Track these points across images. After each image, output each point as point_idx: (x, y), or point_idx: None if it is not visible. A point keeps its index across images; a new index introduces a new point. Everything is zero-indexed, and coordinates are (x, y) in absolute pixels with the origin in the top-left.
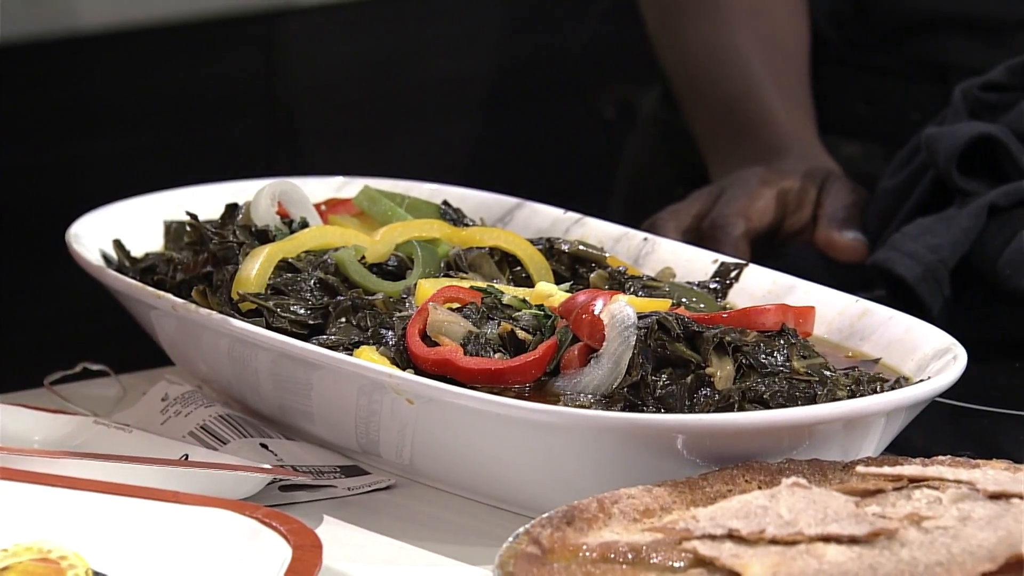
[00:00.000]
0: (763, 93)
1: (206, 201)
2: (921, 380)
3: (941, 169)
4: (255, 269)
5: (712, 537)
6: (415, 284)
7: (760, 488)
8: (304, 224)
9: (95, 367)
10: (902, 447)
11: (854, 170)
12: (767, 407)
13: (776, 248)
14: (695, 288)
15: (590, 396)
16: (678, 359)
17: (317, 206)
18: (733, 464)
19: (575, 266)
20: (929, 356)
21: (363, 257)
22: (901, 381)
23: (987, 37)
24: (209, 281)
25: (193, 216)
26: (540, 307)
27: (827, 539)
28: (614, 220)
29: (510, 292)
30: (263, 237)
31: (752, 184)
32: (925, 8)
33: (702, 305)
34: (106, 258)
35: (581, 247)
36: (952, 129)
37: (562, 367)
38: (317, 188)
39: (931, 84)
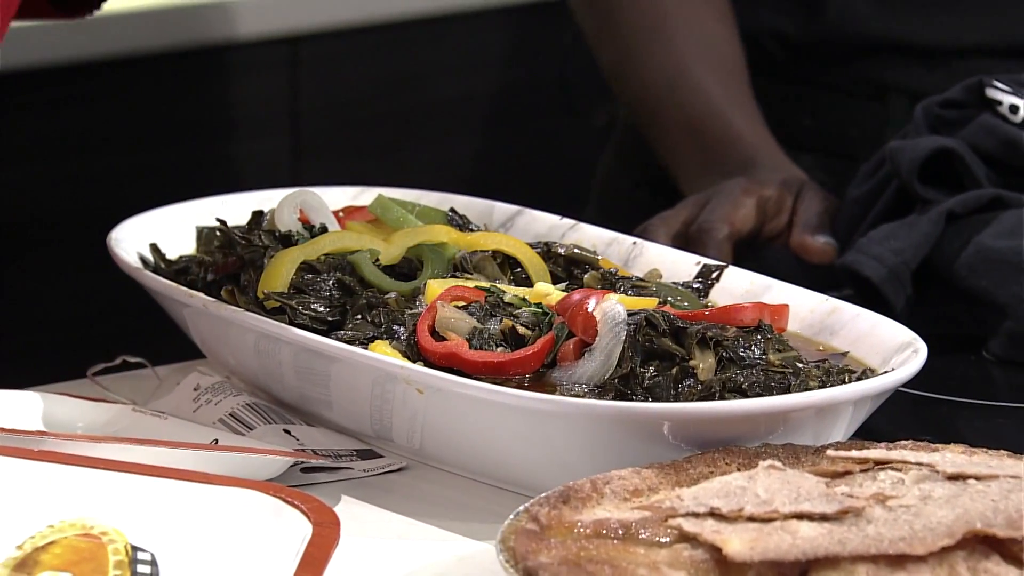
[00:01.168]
0: (726, 113)
1: (235, 209)
2: (885, 372)
3: (904, 179)
4: (279, 270)
5: (695, 515)
6: (425, 284)
7: (739, 470)
8: (324, 229)
9: (133, 360)
10: (868, 433)
11: None
12: (745, 396)
13: (754, 251)
14: (680, 288)
15: (584, 386)
16: (664, 352)
17: (335, 213)
18: (714, 448)
19: (570, 268)
20: (893, 350)
21: (377, 259)
22: (867, 372)
23: (924, 62)
24: (237, 281)
25: (223, 222)
26: (539, 305)
27: (800, 516)
28: (591, 220)
29: (511, 291)
30: (286, 241)
31: (735, 193)
32: (865, 33)
33: (686, 303)
34: (143, 260)
35: (576, 250)
36: (914, 143)
37: (558, 360)
38: (335, 197)
39: (871, 102)
